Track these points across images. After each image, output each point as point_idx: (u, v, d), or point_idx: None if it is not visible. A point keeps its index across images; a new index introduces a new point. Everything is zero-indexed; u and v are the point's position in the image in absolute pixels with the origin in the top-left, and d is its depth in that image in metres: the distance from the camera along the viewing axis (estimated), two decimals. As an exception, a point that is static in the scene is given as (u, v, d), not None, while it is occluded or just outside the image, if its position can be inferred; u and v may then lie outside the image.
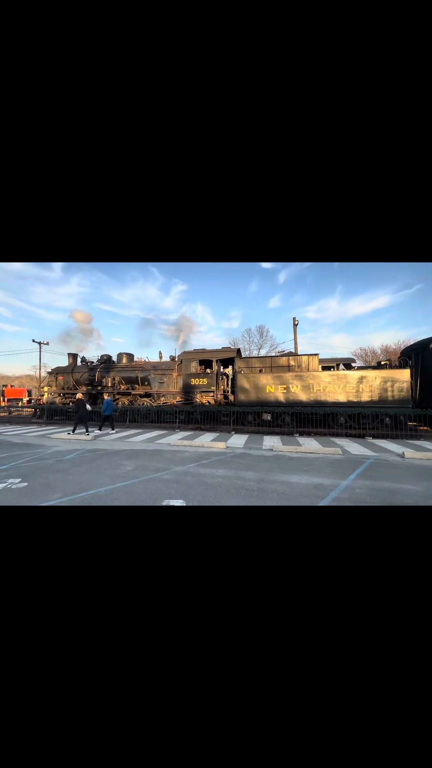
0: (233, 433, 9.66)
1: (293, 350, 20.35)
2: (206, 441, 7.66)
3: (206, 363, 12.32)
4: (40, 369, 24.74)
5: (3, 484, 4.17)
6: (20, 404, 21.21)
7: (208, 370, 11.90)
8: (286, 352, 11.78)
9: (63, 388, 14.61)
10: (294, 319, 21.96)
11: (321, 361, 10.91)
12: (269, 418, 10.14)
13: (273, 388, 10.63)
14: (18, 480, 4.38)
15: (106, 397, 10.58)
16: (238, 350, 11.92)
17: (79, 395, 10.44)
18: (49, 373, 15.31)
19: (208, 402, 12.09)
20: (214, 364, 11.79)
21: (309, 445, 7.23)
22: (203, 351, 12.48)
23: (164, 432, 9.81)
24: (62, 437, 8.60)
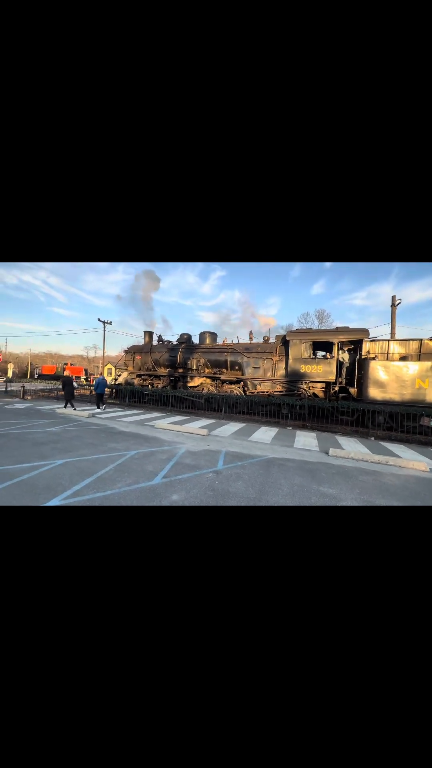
0: (373, 438, 7.32)
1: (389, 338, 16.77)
2: (366, 454, 5.48)
3: (320, 346, 9.89)
4: (104, 349, 24.66)
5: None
6: (79, 383, 21.68)
7: (328, 355, 9.47)
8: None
9: (140, 369, 13.51)
10: (393, 297, 18.06)
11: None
12: (431, 423, 7.49)
13: (426, 383, 7.87)
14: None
15: (99, 375, 9.91)
16: (367, 331, 9.18)
17: (66, 372, 9.89)
18: (126, 351, 14.30)
19: (314, 394, 9.80)
20: (335, 347, 9.30)
21: None
22: (317, 331, 10.03)
23: (275, 428, 7.88)
24: (165, 427, 7.18)
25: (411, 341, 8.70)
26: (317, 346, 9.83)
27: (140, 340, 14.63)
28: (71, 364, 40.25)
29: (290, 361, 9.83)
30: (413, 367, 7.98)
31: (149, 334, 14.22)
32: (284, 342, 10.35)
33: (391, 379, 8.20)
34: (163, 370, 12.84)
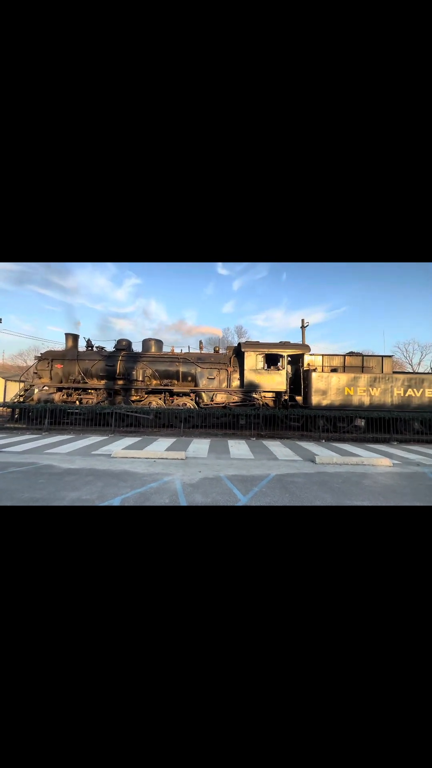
0: (323, 441, 8.29)
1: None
2: (340, 457, 6.10)
3: (270, 358, 10.55)
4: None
5: None
6: None
7: (280, 366, 10.16)
8: (355, 352, 10.98)
9: (62, 380, 10.50)
10: (303, 320, 21.92)
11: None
12: (362, 424, 9.12)
13: (352, 390, 9.68)
14: None
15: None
16: (308, 346, 10.52)
17: None
18: (40, 358, 10.79)
19: (265, 404, 10.37)
20: (284, 360, 10.11)
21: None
22: (267, 344, 10.65)
23: (242, 440, 7.74)
24: (126, 455, 5.73)
25: (336, 356, 10.59)
26: (268, 358, 10.49)
27: (46, 346, 11.52)
28: None
29: (245, 372, 10.03)
30: (343, 377, 9.68)
31: (73, 337, 11.42)
32: (237, 353, 10.50)
33: (328, 387, 9.63)
34: (96, 382, 10.46)
